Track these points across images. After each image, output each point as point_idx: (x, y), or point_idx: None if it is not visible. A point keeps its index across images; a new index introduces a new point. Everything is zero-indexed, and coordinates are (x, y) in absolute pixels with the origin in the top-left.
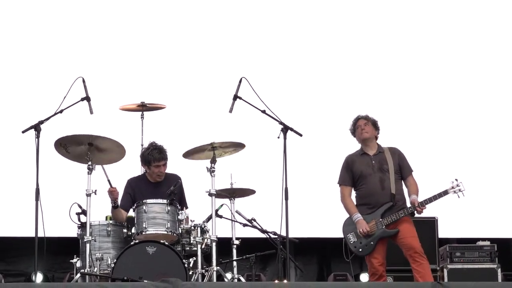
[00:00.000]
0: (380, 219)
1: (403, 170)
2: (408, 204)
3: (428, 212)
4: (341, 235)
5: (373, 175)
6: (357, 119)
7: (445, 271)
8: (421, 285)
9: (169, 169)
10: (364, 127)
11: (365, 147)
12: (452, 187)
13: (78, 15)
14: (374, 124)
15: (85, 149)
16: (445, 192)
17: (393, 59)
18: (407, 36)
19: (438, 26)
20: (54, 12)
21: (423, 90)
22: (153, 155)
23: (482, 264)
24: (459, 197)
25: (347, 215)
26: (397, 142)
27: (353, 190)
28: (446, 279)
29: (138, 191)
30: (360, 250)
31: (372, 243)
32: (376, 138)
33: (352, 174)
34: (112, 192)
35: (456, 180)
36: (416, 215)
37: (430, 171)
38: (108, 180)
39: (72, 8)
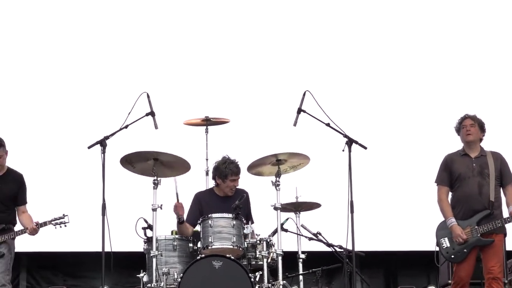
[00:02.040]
0: (476, 227)
1: (504, 177)
2: (505, 214)
3: None
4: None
5: (472, 178)
6: (464, 118)
7: None
8: None
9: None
10: (470, 128)
11: (467, 148)
12: None
13: (143, 32)
14: (481, 126)
15: (150, 164)
16: None
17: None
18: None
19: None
20: (119, 29)
21: None
22: (231, 168)
23: None
24: None
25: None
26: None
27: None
28: None
29: (205, 205)
30: (453, 256)
31: (465, 250)
32: (481, 140)
33: (450, 174)
34: (178, 207)
35: None
36: None
37: None
38: (177, 194)
39: (137, 26)
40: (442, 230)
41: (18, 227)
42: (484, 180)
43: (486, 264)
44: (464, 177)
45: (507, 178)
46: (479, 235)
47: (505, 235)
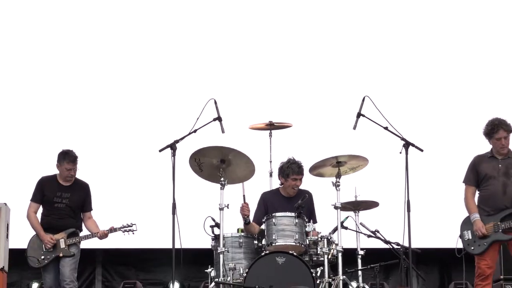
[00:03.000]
0: (499, 223)
1: None
2: None
3: None
4: (461, 245)
5: (498, 178)
6: (498, 128)
7: None
8: None
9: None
10: (505, 142)
11: (496, 153)
12: None
13: (211, 43)
14: (510, 133)
15: (217, 164)
16: None
17: None
18: None
19: None
20: (189, 39)
21: None
22: (293, 168)
23: None
24: None
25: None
26: None
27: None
28: None
29: (270, 204)
30: (472, 248)
31: (485, 244)
32: None
33: (477, 174)
34: (243, 208)
35: None
36: None
37: None
38: (244, 196)
39: (208, 36)
40: (466, 224)
41: (84, 232)
42: (508, 180)
43: None
44: (490, 177)
45: None
46: (500, 230)
47: None
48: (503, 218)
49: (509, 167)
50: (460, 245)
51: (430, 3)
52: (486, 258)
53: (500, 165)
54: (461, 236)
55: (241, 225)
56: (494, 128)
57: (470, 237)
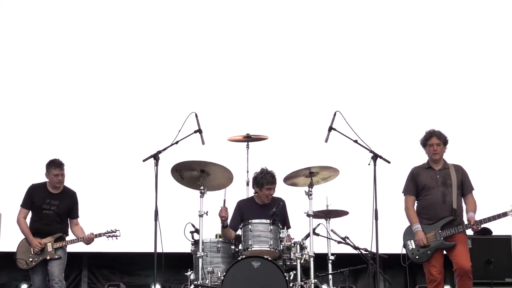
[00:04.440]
0: (440, 231)
1: (465, 187)
2: (465, 221)
3: (503, 230)
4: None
5: (436, 188)
6: (431, 135)
7: None
8: None
9: (274, 194)
10: (437, 148)
11: (432, 162)
12: None
13: (193, 61)
14: (445, 143)
15: (197, 175)
16: (504, 214)
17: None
18: None
19: None
20: (174, 58)
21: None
22: (267, 178)
23: None
24: None
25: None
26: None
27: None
28: None
29: (246, 211)
30: (417, 257)
31: (429, 252)
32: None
33: (417, 185)
34: (222, 210)
35: None
36: (494, 233)
37: (488, 190)
38: (224, 200)
39: (191, 56)
40: (408, 235)
41: (70, 236)
42: (447, 190)
43: (457, 262)
44: (429, 187)
45: (467, 188)
46: (442, 238)
47: (465, 234)
48: (443, 226)
49: (446, 177)
50: (405, 252)
51: (398, 28)
52: (435, 264)
53: (438, 176)
54: (405, 246)
55: (219, 231)
56: (427, 136)
57: (414, 247)
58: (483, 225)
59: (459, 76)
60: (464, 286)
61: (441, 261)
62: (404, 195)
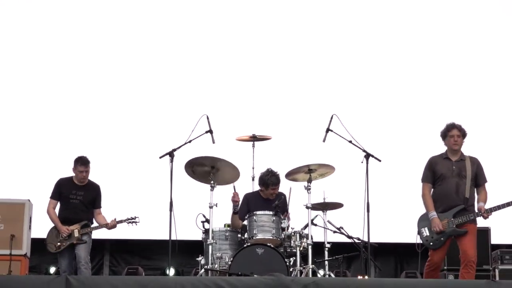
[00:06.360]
0: (452, 219)
1: (478, 179)
2: (476, 210)
3: (482, 223)
4: (412, 241)
5: (451, 178)
6: (452, 127)
7: (497, 271)
8: (476, 283)
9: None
10: (457, 139)
11: (450, 153)
12: None
13: (205, 64)
14: (464, 136)
15: (208, 170)
16: (510, 203)
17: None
18: None
19: None
20: (185, 61)
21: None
22: (272, 180)
23: None
24: None
25: (421, 214)
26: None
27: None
28: (497, 278)
29: (252, 204)
30: (431, 244)
31: (442, 239)
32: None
33: (434, 173)
34: (234, 196)
35: None
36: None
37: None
38: (234, 186)
39: (200, 59)
40: (423, 221)
41: (94, 224)
42: (461, 181)
43: (463, 249)
44: (445, 177)
45: (480, 180)
46: (454, 226)
47: (475, 224)
48: (455, 214)
49: (462, 169)
50: (419, 240)
51: (392, 32)
52: (441, 251)
53: (454, 167)
54: (419, 233)
55: (227, 221)
56: (449, 127)
57: (428, 234)
58: (493, 213)
59: (452, 80)
60: (467, 275)
61: (447, 249)
62: (422, 182)
